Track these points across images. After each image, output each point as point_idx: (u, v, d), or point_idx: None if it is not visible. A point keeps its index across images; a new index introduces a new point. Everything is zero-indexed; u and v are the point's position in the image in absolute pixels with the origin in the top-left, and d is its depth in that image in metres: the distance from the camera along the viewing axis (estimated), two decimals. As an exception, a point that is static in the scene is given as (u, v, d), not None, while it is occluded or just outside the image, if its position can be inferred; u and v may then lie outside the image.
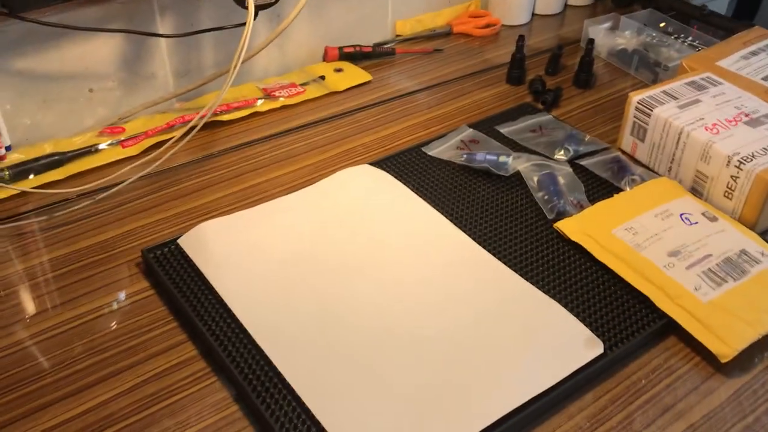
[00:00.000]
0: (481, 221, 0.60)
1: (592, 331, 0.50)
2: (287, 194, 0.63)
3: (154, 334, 0.51)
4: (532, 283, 0.54)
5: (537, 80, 0.79)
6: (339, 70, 0.84)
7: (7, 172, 0.64)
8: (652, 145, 0.66)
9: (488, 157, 0.65)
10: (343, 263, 0.55)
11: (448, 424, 0.44)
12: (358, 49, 0.86)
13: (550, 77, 0.83)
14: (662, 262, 0.54)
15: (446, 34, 0.94)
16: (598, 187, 0.64)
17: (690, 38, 0.87)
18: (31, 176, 0.66)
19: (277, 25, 0.77)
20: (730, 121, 0.63)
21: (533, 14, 1.00)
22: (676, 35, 0.88)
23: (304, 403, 0.45)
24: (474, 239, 0.58)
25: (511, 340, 0.49)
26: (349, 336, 0.50)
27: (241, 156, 0.70)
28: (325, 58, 0.86)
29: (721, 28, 0.89)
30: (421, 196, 0.62)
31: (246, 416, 0.46)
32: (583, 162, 0.67)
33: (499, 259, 0.56)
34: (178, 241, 0.58)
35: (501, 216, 0.61)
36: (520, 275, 0.55)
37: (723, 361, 0.49)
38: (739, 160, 0.59)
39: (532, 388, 0.46)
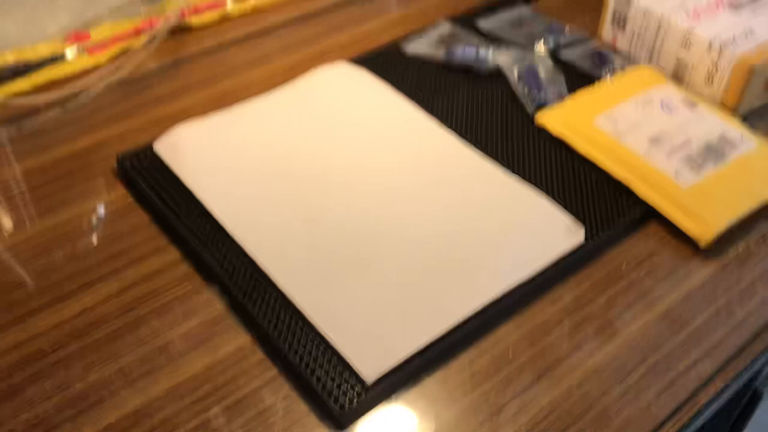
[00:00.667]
0: (462, 117, 0.60)
1: (573, 219, 0.51)
2: (263, 95, 0.62)
3: (136, 240, 0.51)
4: (513, 176, 0.54)
5: (515, -28, 0.77)
6: (310, -32, 0.81)
7: (-30, 83, 0.62)
8: (633, 34, 0.65)
9: (468, 51, 0.64)
10: (324, 161, 0.55)
11: (434, 312, 0.45)
12: (329, -56, 0.82)
13: (529, -31, 0.81)
14: (643, 149, 0.54)
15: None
16: (579, 79, 0.63)
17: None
18: (-4, 86, 0.63)
19: None
20: (712, 6, 0.62)
21: None
22: None
23: (288, 298, 0.45)
24: (455, 135, 0.57)
25: (495, 229, 0.50)
26: (332, 232, 0.50)
27: (213, 59, 0.68)
28: (296, -45, 0.82)
29: None
30: (400, 93, 0.61)
31: (232, 313, 0.46)
32: (564, 54, 0.66)
33: (481, 153, 0.56)
34: (154, 146, 0.56)
35: (482, 111, 0.60)
36: (502, 168, 0.55)
37: (702, 244, 0.50)
38: (720, 45, 0.58)
39: (516, 276, 0.47)
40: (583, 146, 0.56)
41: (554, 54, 0.66)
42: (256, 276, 0.47)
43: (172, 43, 0.70)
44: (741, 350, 0.45)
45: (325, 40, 0.70)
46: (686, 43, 0.61)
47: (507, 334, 0.45)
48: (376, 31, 0.71)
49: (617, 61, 0.64)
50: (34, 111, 0.62)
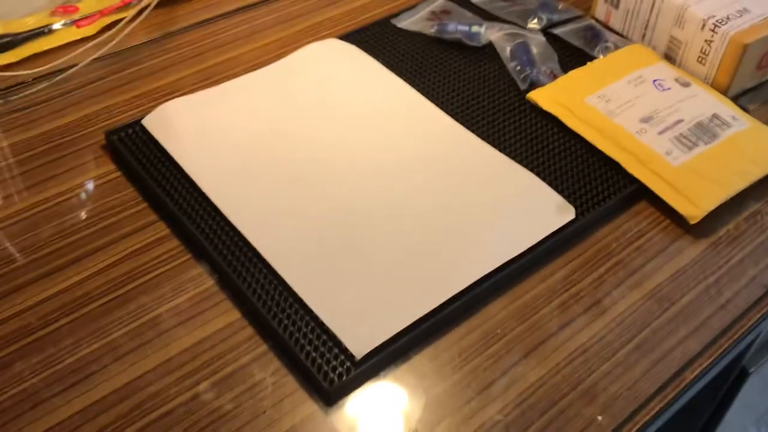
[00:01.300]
0: (453, 94, 0.59)
1: (564, 197, 0.51)
2: (253, 71, 0.61)
3: (125, 215, 0.51)
4: (504, 154, 0.54)
5: (509, -53, 0.76)
6: (302, -59, 0.80)
7: (-44, 55, 0.61)
8: (627, 11, 0.65)
9: (460, 27, 0.63)
10: (314, 138, 0.55)
11: (423, 289, 0.45)
12: None
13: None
14: (634, 128, 0.54)
15: None
16: (572, 56, 0.63)
17: None
18: (-18, 59, 0.62)
19: None
20: (706, -16, 0.62)
21: None
22: None
23: (278, 275, 0.45)
24: (446, 112, 0.57)
25: (485, 207, 0.50)
26: (321, 209, 0.49)
27: (202, 33, 0.67)
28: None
29: None
30: (391, 70, 0.61)
31: (222, 289, 0.46)
32: (557, 30, 0.65)
33: (472, 131, 0.56)
34: (142, 121, 0.56)
35: (473, 88, 0.60)
36: (493, 146, 0.54)
37: (692, 222, 0.50)
38: (714, 23, 0.58)
39: (506, 253, 0.47)
40: (574, 124, 0.55)
41: (547, 31, 0.65)
42: (246, 252, 0.47)
43: (160, 16, 0.69)
44: (728, 329, 0.45)
45: (317, 15, 0.69)
46: (680, 21, 0.60)
47: (496, 311, 0.46)
48: (368, 6, 0.71)
49: (610, 39, 0.64)
50: (20, 84, 0.61)
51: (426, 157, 0.53)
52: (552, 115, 0.57)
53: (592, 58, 0.62)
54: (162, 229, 0.50)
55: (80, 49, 0.63)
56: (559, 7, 0.68)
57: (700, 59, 0.60)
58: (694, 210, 0.50)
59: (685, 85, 0.58)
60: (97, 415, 0.40)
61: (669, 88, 0.57)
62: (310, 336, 0.42)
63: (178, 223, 0.50)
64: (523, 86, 0.60)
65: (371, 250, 0.47)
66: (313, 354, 0.42)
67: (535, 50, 0.62)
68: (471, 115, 0.57)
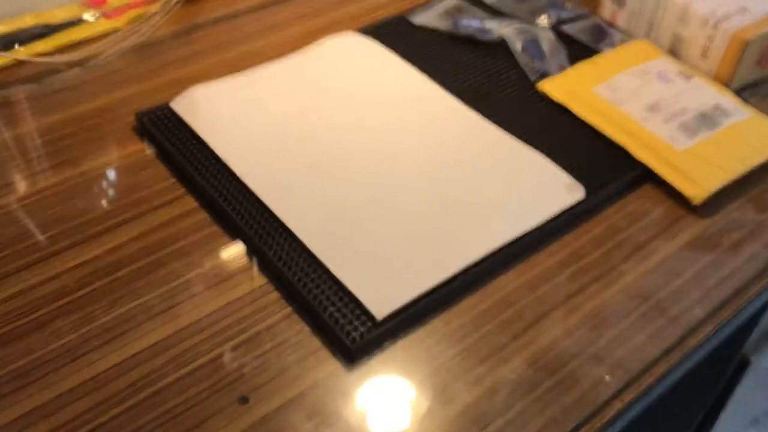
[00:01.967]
0: (467, 85, 0.62)
1: (573, 178, 0.53)
2: (275, 61, 0.64)
3: (155, 189, 0.53)
4: (517, 138, 0.56)
5: (519, -49, 0.79)
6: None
7: (-8, 42, 0.64)
8: (632, 11, 0.68)
9: (473, 23, 0.67)
10: (335, 121, 0.57)
11: (439, 258, 0.47)
12: None
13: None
14: (640, 115, 0.57)
15: None
16: (580, 51, 0.66)
17: None
18: (17, 46, 0.65)
19: None
20: (709, -16, 0.65)
21: None
22: None
23: (303, 244, 0.48)
24: (460, 100, 0.60)
25: (499, 185, 0.52)
26: (343, 184, 0.52)
27: (226, 26, 0.70)
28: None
29: None
30: (406, 62, 0.64)
31: (249, 257, 0.48)
32: (565, 27, 0.68)
33: (485, 117, 0.58)
34: (170, 104, 0.59)
35: (486, 79, 0.63)
36: (506, 131, 0.57)
37: (695, 202, 0.52)
38: (716, 20, 0.61)
39: (518, 228, 0.49)
40: (583, 112, 0.58)
41: (556, 28, 0.68)
42: (271, 222, 0.49)
43: (186, 10, 0.72)
44: (729, 300, 0.47)
45: (336, 10, 0.73)
46: (683, 18, 0.63)
47: (508, 282, 0.48)
48: (385, 3, 0.74)
49: (616, 36, 0.67)
50: (55, 70, 0.64)
51: (441, 139, 0.56)
52: (562, 104, 0.59)
53: (599, 54, 0.65)
54: (191, 202, 0.52)
55: (110, 39, 0.66)
56: (568, 6, 0.71)
57: (702, 55, 0.63)
58: (697, 190, 0.52)
59: (689, 78, 0.61)
60: (132, 369, 0.42)
61: (673, 80, 0.60)
62: (334, 299, 0.45)
63: (206, 196, 0.52)
64: (533, 77, 0.62)
65: (391, 221, 0.49)
66: (336, 315, 0.44)
67: (545, 45, 0.65)
68: (484, 104, 0.60)
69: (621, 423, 0.43)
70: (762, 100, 0.63)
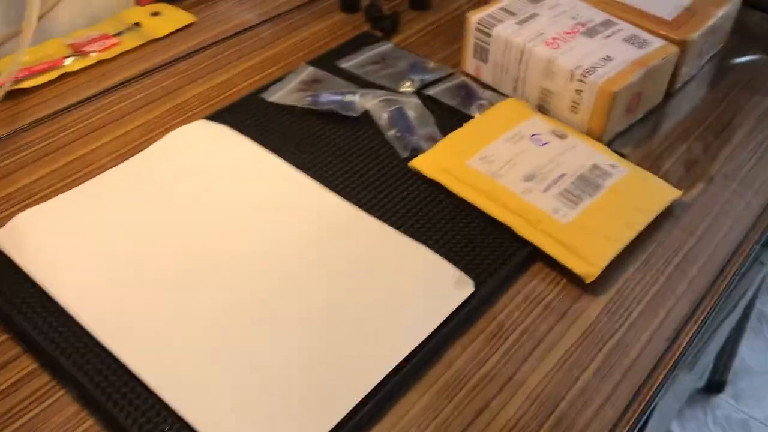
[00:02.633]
0: (333, 168, 0.57)
1: (460, 268, 0.49)
2: (117, 164, 0.56)
3: (-19, 353, 0.45)
4: (394, 227, 0.52)
5: (373, 6, 0.75)
6: (156, 14, 0.75)
7: None
8: (496, 65, 0.65)
9: (333, 97, 0.61)
10: (189, 235, 0.50)
11: (327, 399, 0.41)
12: (174, -13, 0.77)
13: (386, 1, 0.80)
14: (519, 188, 0.54)
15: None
16: (449, 117, 0.62)
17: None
18: None
19: (75, -30, 0.68)
20: (569, 33, 0.63)
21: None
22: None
23: (163, 401, 0.41)
24: (328, 188, 0.55)
25: (380, 292, 0.47)
26: (204, 318, 0.45)
27: (56, 126, 0.62)
28: (139, 1, 0.77)
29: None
30: (266, 148, 0.58)
31: (104, 429, 0.41)
32: (430, 91, 0.64)
33: (357, 206, 0.54)
34: (-6, 238, 0.50)
35: (353, 160, 0.58)
36: (381, 220, 0.52)
37: (588, 281, 0.49)
38: (581, 74, 0.59)
39: (408, 343, 0.44)
40: (460, 189, 0.54)
41: (420, 92, 0.65)
42: (126, 381, 0.42)
43: (4, 110, 0.63)
44: (638, 392, 0.44)
45: (180, 94, 0.66)
46: (549, 72, 0.61)
47: (409, 406, 0.43)
48: (235, 79, 0.67)
49: (484, 96, 0.63)
50: None
51: (313, 240, 0.51)
52: (437, 182, 0.55)
53: (468, 117, 0.62)
54: (29, 364, 0.44)
55: None
56: (430, 66, 0.67)
57: (572, 108, 0.61)
58: (589, 268, 0.49)
59: (562, 137, 0.58)
60: None
61: (547, 142, 0.58)
62: (211, 471, 0.38)
63: (46, 355, 0.44)
64: (404, 154, 0.58)
65: (267, 360, 0.43)
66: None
67: (411, 115, 0.61)
68: (355, 189, 0.55)
69: None
70: (635, 149, 0.61)
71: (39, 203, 0.53)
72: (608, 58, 0.60)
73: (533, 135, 0.58)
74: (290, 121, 0.61)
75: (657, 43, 0.62)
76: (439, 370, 0.45)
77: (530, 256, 0.52)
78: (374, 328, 0.45)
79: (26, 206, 0.54)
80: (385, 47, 0.70)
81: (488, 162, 0.56)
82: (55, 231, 0.50)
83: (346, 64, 0.68)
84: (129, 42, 0.71)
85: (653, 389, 0.45)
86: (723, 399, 1.33)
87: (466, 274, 0.49)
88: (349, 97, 0.61)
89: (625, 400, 0.44)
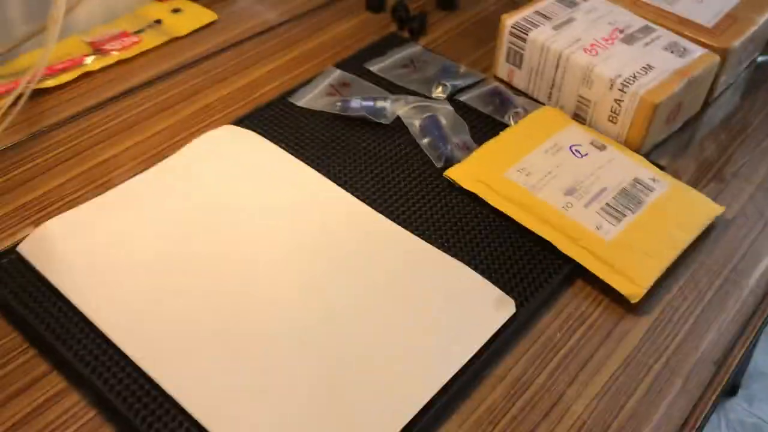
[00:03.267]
0: (365, 177, 0.55)
1: (500, 287, 0.48)
2: (143, 170, 0.55)
3: (9, 368, 0.43)
4: (429, 243, 0.50)
5: (400, 6, 0.73)
6: (177, 11, 0.73)
7: None
8: (530, 71, 0.63)
9: (365, 103, 0.60)
10: (217, 245, 0.49)
11: (364, 426, 0.40)
12: (195, -17, 0.75)
13: (413, 0, 0.77)
14: (560, 203, 0.52)
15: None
16: (482, 124, 0.61)
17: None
18: None
19: (96, -35, 0.66)
20: (607, 40, 0.61)
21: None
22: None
23: (199, 423, 0.39)
24: (360, 199, 0.53)
25: (418, 314, 0.46)
26: (228, 333, 0.44)
27: (77, 129, 0.60)
28: (159, -3, 0.75)
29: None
30: (296, 156, 0.56)
31: (139, 455, 0.40)
32: (463, 97, 0.63)
33: (390, 218, 0.52)
34: (18, 249, 0.48)
35: (386, 169, 0.56)
36: (416, 235, 0.51)
37: (633, 301, 0.48)
38: (622, 83, 0.57)
39: (448, 369, 0.43)
40: (498, 202, 0.53)
41: (453, 98, 0.63)
42: (155, 397, 0.41)
43: (23, 112, 0.61)
44: (689, 417, 0.43)
45: (205, 97, 0.64)
46: (587, 80, 0.59)
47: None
48: (261, 81, 0.65)
49: (519, 104, 0.62)
50: None
51: (345, 255, 0.49)
52: (473, 193, 0.54)
53: (503, 125, 0.60)
54: (57, 382, 0.43)
55: (-68, 163, 0.54)
56: (461, 70, 0.65)
57: (611, 118, 0.59)
58: (634, 288, 0.48)
59: (601, 148, 0.57)
60: None
61: (587, 154, 0.56)
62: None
63: (75, 372, 0.43)
64: (438, 164, 0.56)
65: (298, 382, 0.42)
66: None
67: (444, 122, 0.59)
68: (386, 200, 0.54)
69: None
70: (673, 160, 0.60)
71: (61, 211, 0.51)
72: (649, 67, 0.58)
73: (572, 146, 0.56)
74: (320, 127, 0.60)
75: (698, 51, 0.60)
76: (482, 393, 0.43)
77: (573, 272, 0.50)
78: (413, 351, 0.44)
79: (48, 213, 0.52)
80: (413, 49, 0.68)
81: (526, 174, 0.54)
82: (81, 241, 0.49)
83: (375, 67, 0.66)
84: (150, 40, 0.69)
85: (703, 414, 0.43)
86: (736, 402, 1.32)
87: (507, 291, 0.48)
88: (380, 103, 0.60)
89: (675, 426, 0.42)
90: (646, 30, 0.62)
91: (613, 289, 0.49)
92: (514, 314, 0.46)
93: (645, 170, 0.55)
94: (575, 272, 0.50)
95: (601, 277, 0.49)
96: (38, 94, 0.63)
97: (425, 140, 0.58)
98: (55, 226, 0.49)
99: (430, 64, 0.66)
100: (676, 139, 0.62)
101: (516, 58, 0.64)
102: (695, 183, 0.58)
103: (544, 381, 0.44)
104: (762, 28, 0.65)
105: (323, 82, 0.63)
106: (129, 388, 0.41)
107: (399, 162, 0.57)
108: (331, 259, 0.49)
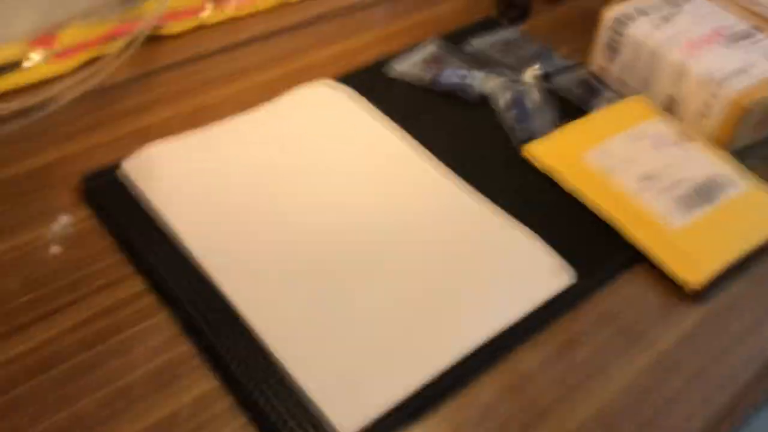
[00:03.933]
0: (447, 146, 0.57)
1: (562, 258, 0.49)
2: (241, 114, 0.59)
3: (99, 267, 0.48)
4: (499, 211, 0.52)
5: (505, -8, 0.74)
6: (293, -22, 0.78)
7: (-75, 88, 0.58)
8: (624, 65, 0.63)
9: (455, 78, 0.62)
10: (301, 192, 0.52)
11: (414, 361, 0.42)
12: (313, -46, 0.79)
13: (517, -11, 0.79)
14: (633, 187, 0.52)
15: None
16: (568, 109, 0.61)
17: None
18: (-47, 92, 0.59)
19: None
20: (705, 40, 0.61)
21: None
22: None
23: (261, 339, 0.43)
24: (438, 165, 0.55)
25: (480, 268, 0.47)
26: (310, 269, 0.47)
27: (187, 72, 0.65)
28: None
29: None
30: (382, 120, 0.59)
31: (199, 353, 0.43)
32: (554, 81, 0.64)
33: (465, 185, 0.54)
34: (123, 165, 0.53)
35: (468, 140, 0.58)
36: (488, 203, 0.52)
37: (691, 288, 0.48)
38: (713, 82, 0.57)
39: (501, 321, 0.44)
40: (573, 181, 0.54)
41: (543, 81, 0.64)
42: (227, 315, 0.44)
43: (143, 52, 0.66)
44: (730, 408, 0.43)
45: (307, 55, 0.67)
46: (679, 77, 0.59)
47: (490, 384, 0.43)
48: (360, 48, 0.69)
49: (608, 92, 0.62)
50: (-7, 121, 0.58)
51: (417, 213, 0.51)
52: (548, 171, 0.55)
53: (590, 111, 0.61)
54: (138, 285, 0.47)
55: (59, 85, 0.60)
56: (555, 56, 0.66)
57: (700, 117, 0.59)
58: (695, 276, 0.48)
59: (685, 142, 0.56)
60: (60, 493, 0.37)
61: (669, 146, 0.56)
62: (294, 410, 0.40)
63: (155, 279, 0.47)
64: (518, 140, 0.58)
65: (360, 315, 0.44)
66: (297, 430, 0.39)
67: (530, 103, 0.60)
68: (466, 168, 0.55)
69: None
70: (762, 162, 0.59)
71: (164, 140, 0.56)
72: (744, 70, 0.58)
73: (655, 136, 0.57)
74: (410, 93, 0.62)
75: (800, 59, 0.59)
76: (526, 353, 0.45)
77: (636, 255, 0.50)
78: (469, 302, 0.46)
79: (153, 142, 0.57)
80: (511, 33, 0.69)
81: (604, 157, 0.55)
82: (178, 166, 0.53)
83: (471, 46, 0.67)
84: (265, 1, 0.74)
85: (746, 407, 0.43)
86: None
87: (569, 264, 0.48)
88: (469, 80, 0.61)
89: (713, 412, 0.42)
90: (747, 34, 0.62)
91: (672, 280, 0.49)
92: (571, 286, 0.47)
93: (724, 169, 0.55)
94: (639, 256, 0.50)
95: (662, 260, 0.49)
96: (155, 38, 0.68)
97: (509, 116, 0.59)
98: (156, 149, 0.54)
99: (525, 47, 0.67)
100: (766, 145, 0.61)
101: (612, 52, 0.64)
102: (780, 191, 0.56)
103: (593, 349, 0.45)
104: None
105: (418, 54, 0.66)
106: (201, 296, 0.45)
107: (481, 135, 0.58)
108: (402, 213, 0.51)
